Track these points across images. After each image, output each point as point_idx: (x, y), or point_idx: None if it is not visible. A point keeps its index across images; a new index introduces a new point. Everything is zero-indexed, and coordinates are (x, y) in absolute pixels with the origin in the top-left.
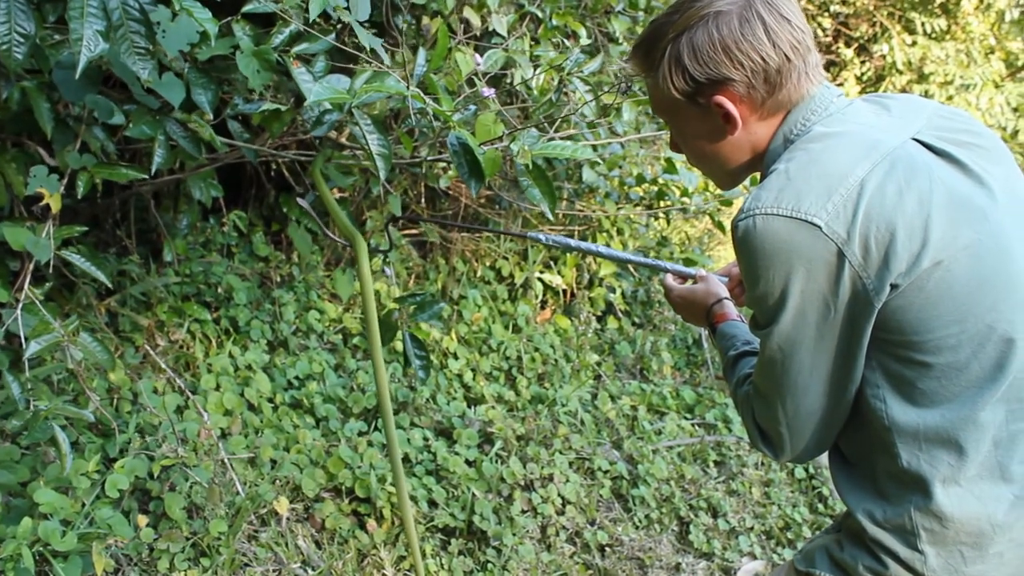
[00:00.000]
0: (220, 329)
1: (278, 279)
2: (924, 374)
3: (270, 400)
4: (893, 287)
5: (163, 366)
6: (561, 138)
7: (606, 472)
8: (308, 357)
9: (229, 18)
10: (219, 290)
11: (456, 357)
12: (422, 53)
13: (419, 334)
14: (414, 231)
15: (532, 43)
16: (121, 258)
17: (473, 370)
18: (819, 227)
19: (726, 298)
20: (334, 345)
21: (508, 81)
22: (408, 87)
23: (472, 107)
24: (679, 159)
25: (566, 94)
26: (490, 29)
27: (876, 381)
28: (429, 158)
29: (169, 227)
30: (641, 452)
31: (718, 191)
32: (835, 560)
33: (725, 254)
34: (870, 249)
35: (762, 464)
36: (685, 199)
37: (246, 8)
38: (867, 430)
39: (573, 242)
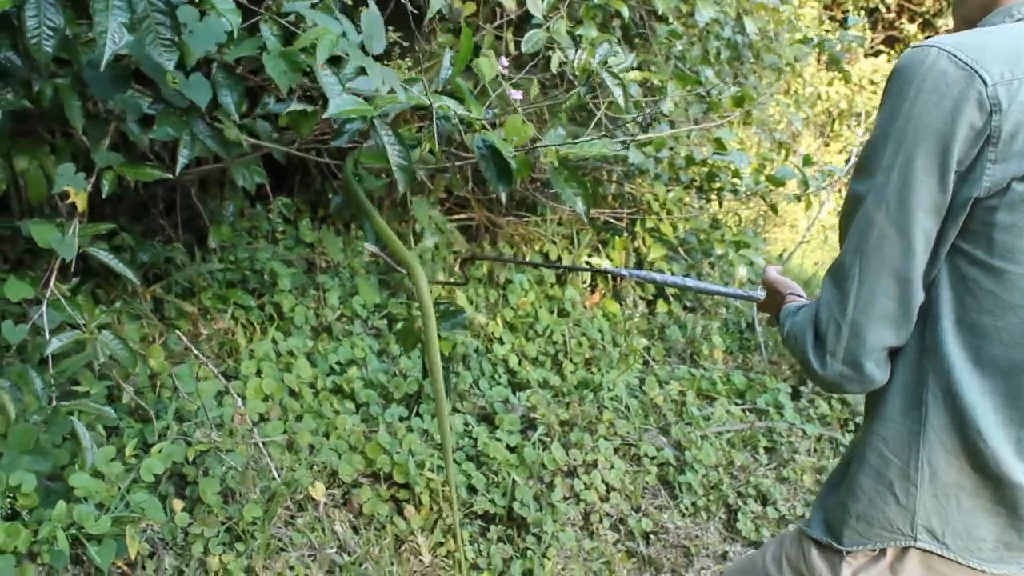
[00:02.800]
0: (264, 315)
1: (323, 264)
2: (989, 304)
3: (311, 385)
4: (1005, 190)
5: (199, 352)
6: (608, 125)
7: (652, 458)
8: (351, 343)
9: (257, 17)
10: (264, 276)
11: (502, 342)
12: (447, 56)
13: (441, 345)
14: (461, 215)
15: (573, 23)
16: (167, 245)
17: (519, 355)
18: (985, 84)
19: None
20: (378, 330)
21: (545, 64)
22: (431, 92)
23: (495, 109)
24: (730, 139)
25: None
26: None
27: (936, 297)
28: (457, 163)
29: (215, 214)
30: (689, 438)
31: (771, 172)
32: (828, 521)
33: (781, 237)
34: (1017, 135)
35: (815, 451)
36: (737, 180)
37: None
38: (909, 352)
39: (659, 276)
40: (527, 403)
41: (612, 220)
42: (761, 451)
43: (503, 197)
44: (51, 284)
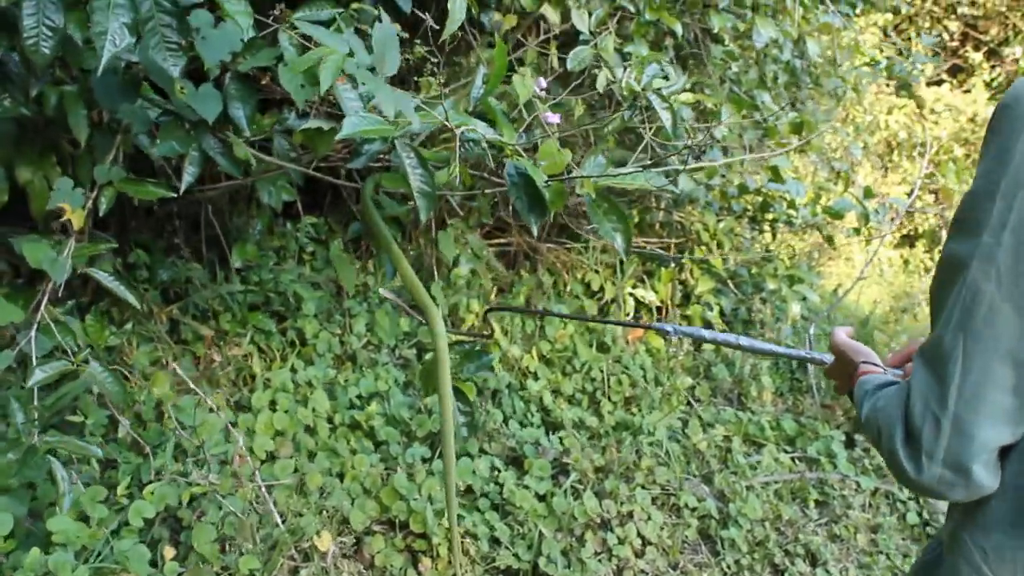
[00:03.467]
0: (285, 341)
1: (352, 289)
2: None
3: (328, 420)
4: None
5: (211, 379)
6: (657, 150)
7: (693, 510)
8: (375, 374)
9: (275, 26)
10: (289, 298)
11: (536, 377)
12: (480, 74)
13: (464, 388)
14: (501, 240)
15: (621, 40)
16: (188, 263)
17: (554, 392)
18: None
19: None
20: (406, 360)
21: (592, 82)
22: (460, 112)
23: (530, 133)
24: (786, 167)
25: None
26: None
27: None
28: (488, 190)
29: (241, 231)
30: (733, 488)
31: (828, 203)
32: None
33: (836, 271)
34: None
35: (869, 506)
36: (792, 211)
37: (295, 16)
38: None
39: (708, 333)
40: (560, 446)
41: (659, 250)
42: (811, 504)
43: (534, 230)
44: (42, 307)
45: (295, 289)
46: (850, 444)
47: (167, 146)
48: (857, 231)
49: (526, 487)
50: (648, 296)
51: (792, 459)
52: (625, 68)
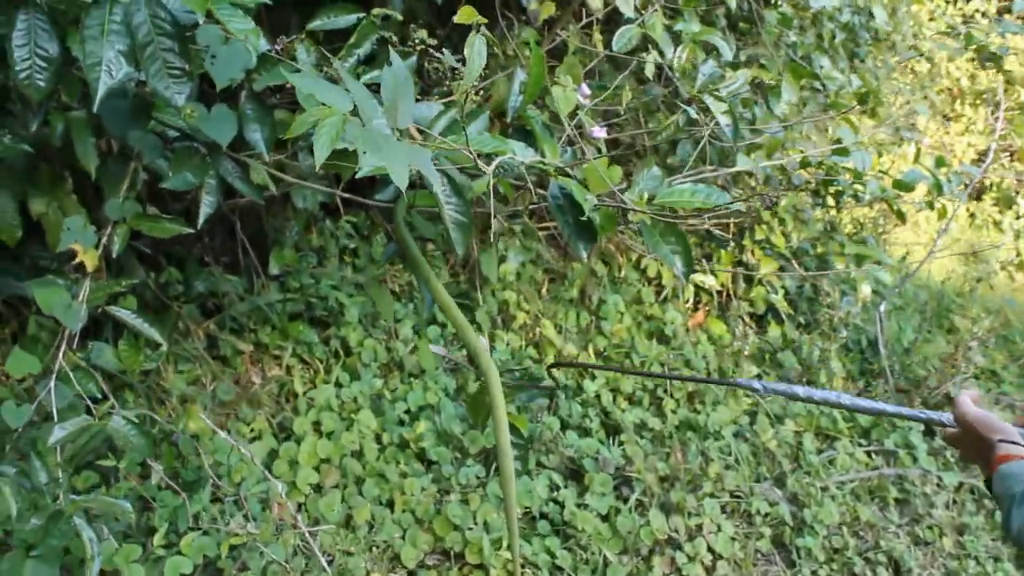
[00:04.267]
0: (329, 351)
1: (397, 288)
2: None
3: (376, 440)
4: None
5: (218, 431)
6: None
7: (766, 515)
8: (423, 383)
9: (293, 36)
10: (331, 302)
11: (593, 376)
12: (518, 79)
13: (518, 422)
14: (550, 224)
15: (672, 15)
16: (225, 274)
17: (613, 391)
18: None
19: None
20: (456, 364)
21: (641, 67)
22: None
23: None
24: (849, 139)
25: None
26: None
27: None
28: (531, 205)
29: (279, 234)
30: (807, 491)
31: (895, 173)
32: None
33: (903, 238)
34: None
35: (954, 503)
36: (858, 185)
37: (312, 24)
38: None
39: (802, 390)
40: (622, 456)
41: (716, 231)
42: (891, 504)
43: (583, 256)
44: (60, 355)
45: (337, 296)
46: (930, 433)
47: (180, 179)
48: (931, 204)
49: (587, 507)
50: (708, 281)
51: (868, 454)
52: (676, 47)
